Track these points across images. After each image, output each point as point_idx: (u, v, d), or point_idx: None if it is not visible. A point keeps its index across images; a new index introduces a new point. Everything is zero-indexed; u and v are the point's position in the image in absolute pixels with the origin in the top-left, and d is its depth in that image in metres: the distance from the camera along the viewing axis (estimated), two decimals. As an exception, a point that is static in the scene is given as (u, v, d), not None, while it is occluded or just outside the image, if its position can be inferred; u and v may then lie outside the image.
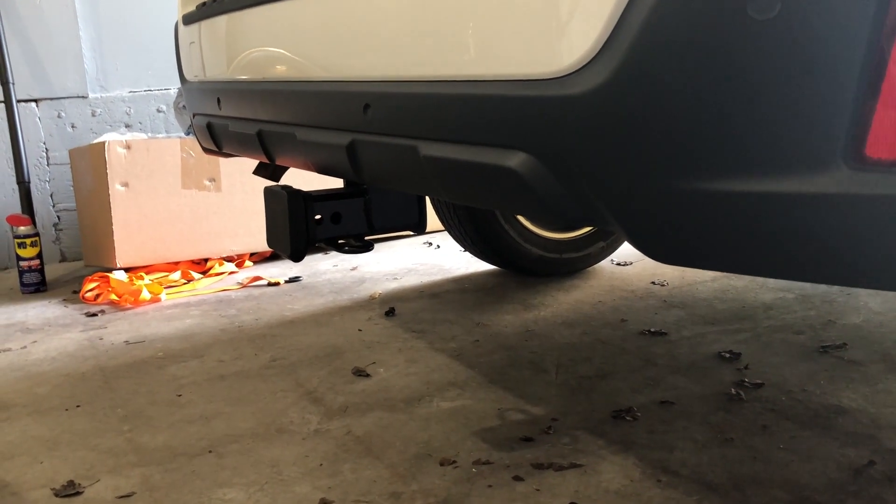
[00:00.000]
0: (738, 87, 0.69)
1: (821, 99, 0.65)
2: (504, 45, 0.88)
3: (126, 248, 2.72)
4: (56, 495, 1.36)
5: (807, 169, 0.68)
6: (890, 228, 0.66)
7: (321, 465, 1.41)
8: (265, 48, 1.43)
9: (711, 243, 0.78)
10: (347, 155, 1.20)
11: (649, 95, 0.73)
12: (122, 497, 1.34)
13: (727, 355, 1.81)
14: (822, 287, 2.27)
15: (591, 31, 0.77)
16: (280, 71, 1.39)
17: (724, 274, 2.47)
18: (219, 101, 1.66)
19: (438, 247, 3.15)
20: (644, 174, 0.77)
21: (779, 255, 0.74)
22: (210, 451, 1.49)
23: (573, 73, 0.80)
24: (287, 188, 1.65)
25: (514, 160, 0.88)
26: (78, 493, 1.36)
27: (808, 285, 2.28)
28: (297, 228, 1.61)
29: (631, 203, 0.80)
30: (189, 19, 1.76)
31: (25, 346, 2.18)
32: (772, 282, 2.34)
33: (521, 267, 2.56)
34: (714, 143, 0.72)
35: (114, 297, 2.55)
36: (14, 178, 3.09)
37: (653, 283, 2.43)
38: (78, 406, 1.74)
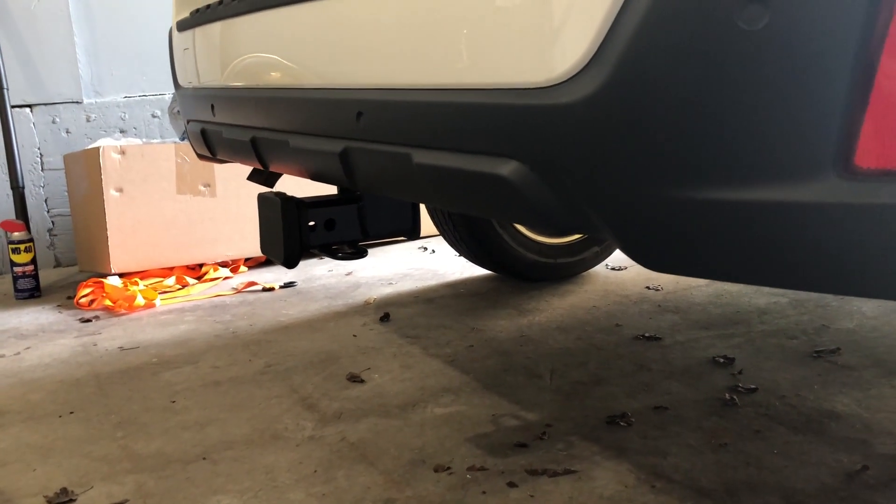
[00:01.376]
0: (728, 97, 0.69)
1: (810, 109, 0.66)
2: (496, 53, 0.88)
3: (121, 254, 2.72)
4: (49, 503, 1.36)
5: (797, 178, 0.68)
6: (879, 237, 0.66)
7: (315, 471, 1.41)
8: (259, 55, 1.43)
9: (703, 252, 0.78)
10: (341, 162, 1.21)
11: (640, 105, 0.74)
12: (115, 504, 1.34)
13: (721, 360, 1.81)
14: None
15: (583, 40, 0.77)
16: (274, 78, 1.40)
17: (719, 278, 2.47)
18: (213, 107, 1.66)
19: (433, 252, 3.15)
20: (635, 183, 0.77)
21: (771, 263, 0.74)
22: (204, 458, 1.49)
23: (564, 81, 0.80)
24: (280, 194, 1.65)
25: (506, 168, 0.88)
26: (71, 501, 1.36)
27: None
28: (290, 235, 1.61)
29: (622, 211, 0.81)
30: (183, 26, 1.76)
31: (19, 353, 2.17)
32: (766, 287, 2.34)
33: (515, 272, 2.57)
34: (705, 151, 0.72)
35: (108, 302, 2.55)
36: (8, 184, 3.09)
37: (647, 287, 2.43)
38: (72, 412, 1.74)
